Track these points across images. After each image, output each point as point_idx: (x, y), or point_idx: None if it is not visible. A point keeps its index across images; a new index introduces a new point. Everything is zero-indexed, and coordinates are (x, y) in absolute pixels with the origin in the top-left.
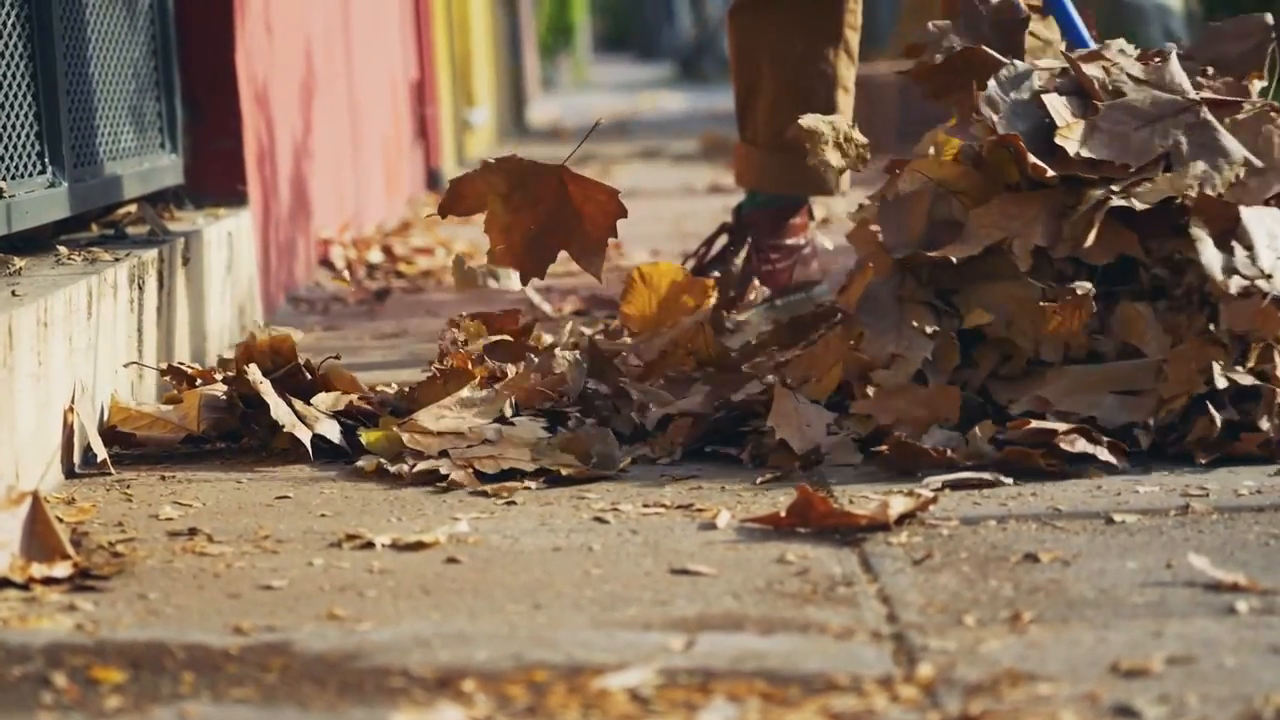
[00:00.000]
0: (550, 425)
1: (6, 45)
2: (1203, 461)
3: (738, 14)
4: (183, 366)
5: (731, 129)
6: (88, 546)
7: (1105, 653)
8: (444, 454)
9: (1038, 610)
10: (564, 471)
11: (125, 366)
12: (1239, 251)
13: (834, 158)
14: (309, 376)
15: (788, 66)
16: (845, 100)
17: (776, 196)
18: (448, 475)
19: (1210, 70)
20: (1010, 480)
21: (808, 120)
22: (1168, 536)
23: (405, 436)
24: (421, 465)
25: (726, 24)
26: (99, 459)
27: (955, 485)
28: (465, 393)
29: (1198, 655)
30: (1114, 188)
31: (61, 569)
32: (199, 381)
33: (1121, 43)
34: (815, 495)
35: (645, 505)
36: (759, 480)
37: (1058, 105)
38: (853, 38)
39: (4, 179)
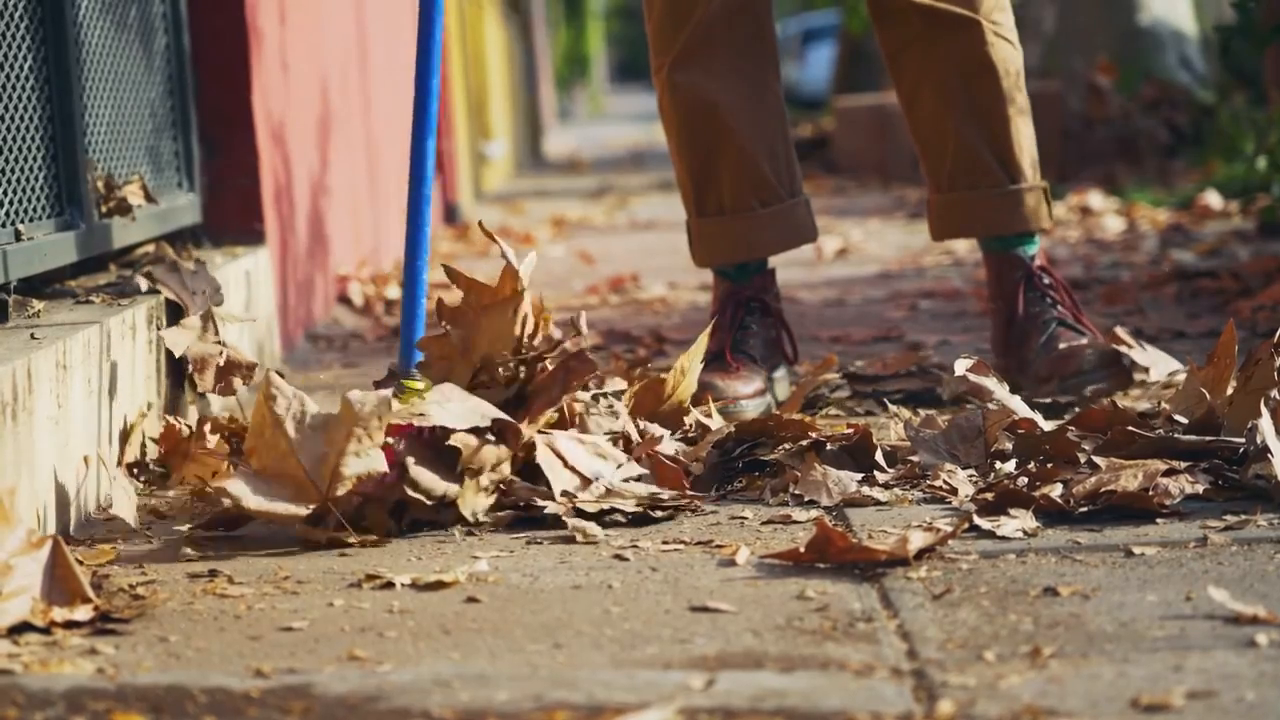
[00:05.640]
0: None
1: (24, 87)
2: None
3: (675, 74)
4: (178, 424)
5: None
6: (108, 589)
7: (1125, 687)
8: None
9: (1058, 645)
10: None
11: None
12: None
13: None
14: None
15: (746, 110)
16: (783, 123)
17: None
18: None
19: None
20: None
21: None
22: (1187, 569)
23: None
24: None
25: (661, 94)
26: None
27: None
28: None
29: (1218, 689)
30: None
31: (82, 612)
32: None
33: None
34: (834, 531)
35: (664, 542)
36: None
37: None
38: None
39: (22, 221)
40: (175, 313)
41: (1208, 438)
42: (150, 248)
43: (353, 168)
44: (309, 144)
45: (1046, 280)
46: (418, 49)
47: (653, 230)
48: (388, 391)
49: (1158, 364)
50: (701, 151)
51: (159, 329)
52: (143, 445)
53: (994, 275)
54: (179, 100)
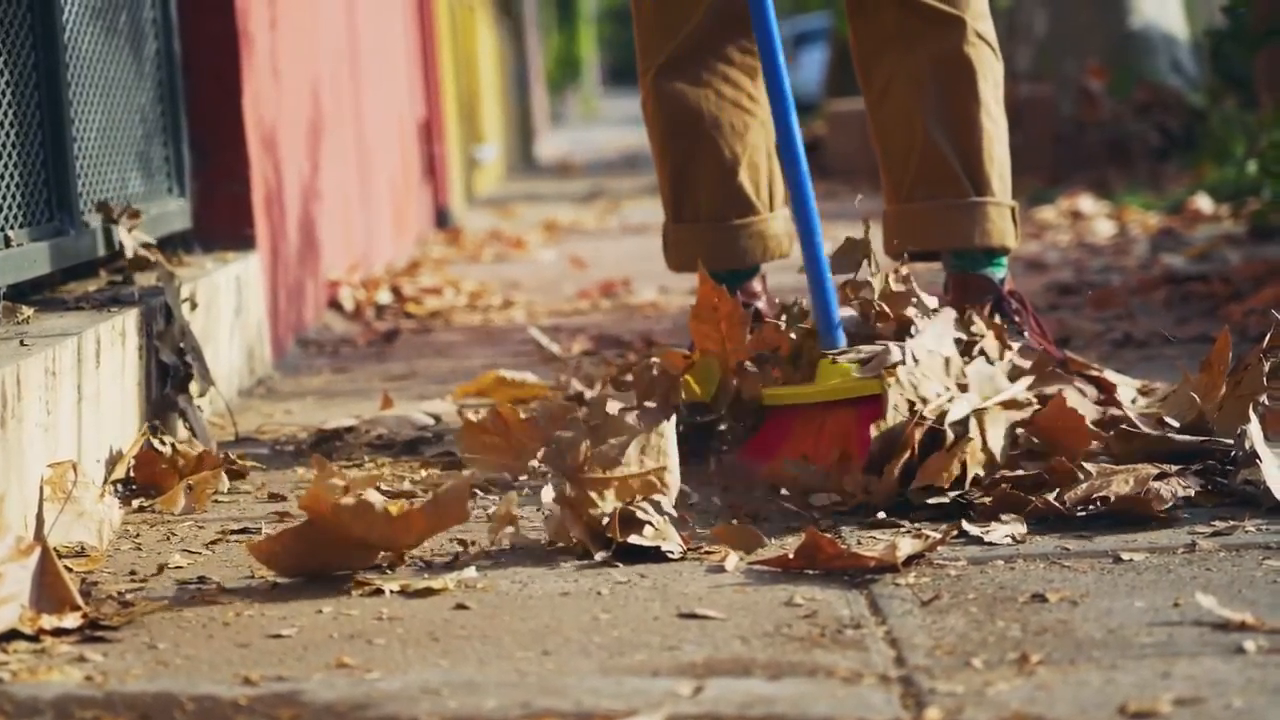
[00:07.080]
0: None
1: (15, 92)
2: None
3: (661, 80)
4: (159, 447)
5: None
6: (97, 596)
7: (1113, 694)
8: None
9: (1046, 651)
10: None
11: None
12: None
13: None
14: None
15: (729, 121)
16: (769, 136)
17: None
18: None
19: None
20: None
21: None
22: (1175, 575)
23: None
24: None
25: (646, 98)
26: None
27: None
28: None
29: (1206, 696)
30: None
31: (71, 620)
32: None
33: None
34: (823, 537)
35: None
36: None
37: None
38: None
39: (11, 227)
40: (167, 319)
41: (1199, 439)
42: None
43: (343, 173)
44: (300, 149)
45: (1014, 306)
46: (759, 44)
47: (644, 234)
48: (465, 491)
49: (1120, 386)
50: (681, 159)
51: (149, 335)
52: (129, 466)
53: (958, 295)
54: (170, 106)
